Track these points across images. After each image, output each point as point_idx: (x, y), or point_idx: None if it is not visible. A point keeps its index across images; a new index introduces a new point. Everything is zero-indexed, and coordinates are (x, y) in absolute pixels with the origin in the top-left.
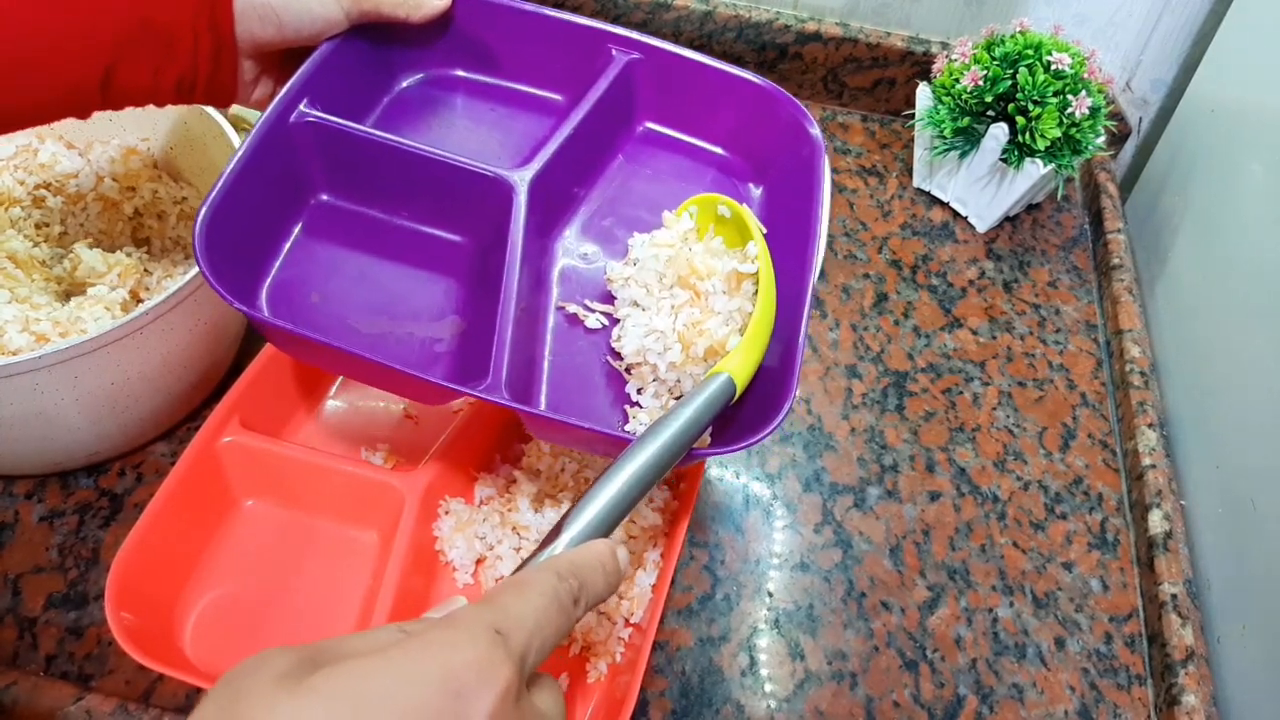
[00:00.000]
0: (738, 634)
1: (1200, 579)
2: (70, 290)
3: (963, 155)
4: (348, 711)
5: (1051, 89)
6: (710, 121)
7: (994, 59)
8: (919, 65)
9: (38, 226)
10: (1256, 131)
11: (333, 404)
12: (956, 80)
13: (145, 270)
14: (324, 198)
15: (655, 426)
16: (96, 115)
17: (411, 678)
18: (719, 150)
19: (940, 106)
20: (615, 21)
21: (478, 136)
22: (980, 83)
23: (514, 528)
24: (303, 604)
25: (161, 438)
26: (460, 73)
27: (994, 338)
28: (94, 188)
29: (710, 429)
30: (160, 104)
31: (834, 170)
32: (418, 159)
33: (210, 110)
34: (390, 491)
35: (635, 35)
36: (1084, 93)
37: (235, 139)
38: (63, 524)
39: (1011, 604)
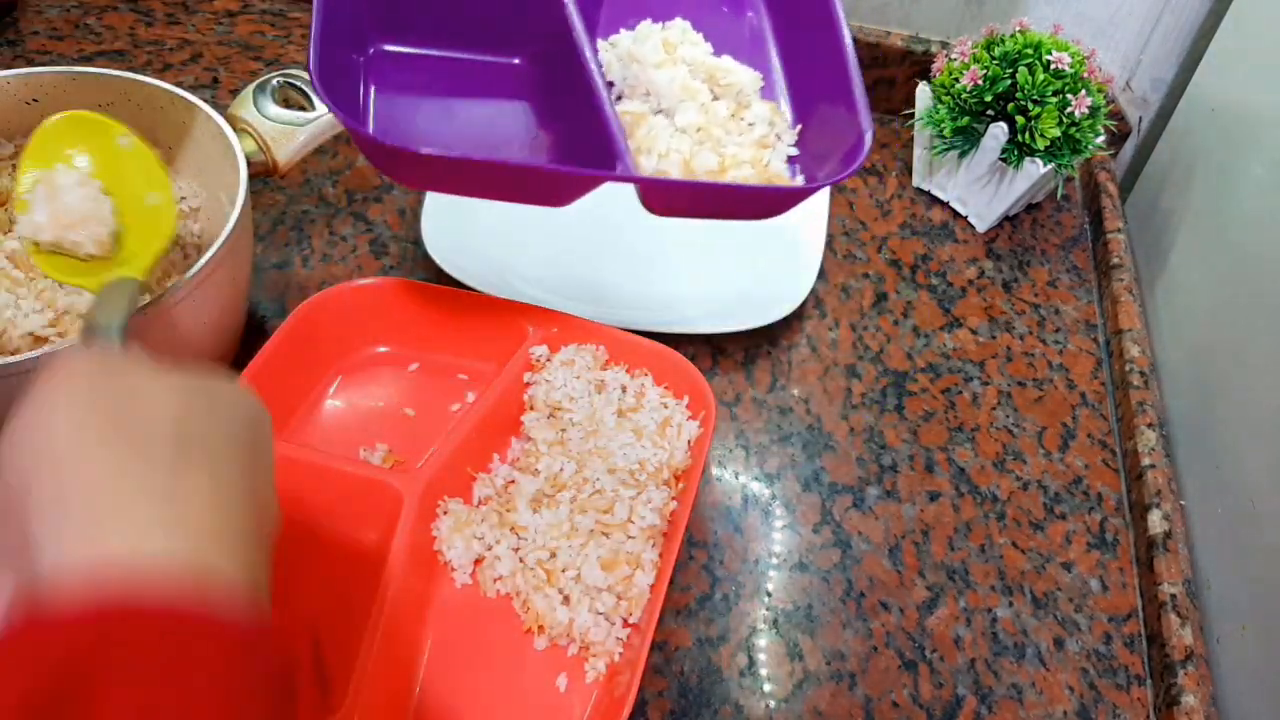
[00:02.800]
0: (736, 634)
1: (1200, 579)
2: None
3: (962, 155)
4: None
5: (1051, 88)
6: None
7: (993, 58)
8: (918, 64)
9: None
10: (1256, 131)
11: (331, 403)
12: (956, 79)
13: None
14: (384, 47)
15: None
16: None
17: None
18: None
19: (940, 106)
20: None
21: None
22: (980, 82)
23: (512, 528)
24: (301, 604)
25: None
26: None
27: (993, 337)
28: None
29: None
30: None
31: None
32: None
33: (209, 110)
34: (389, 491)
35: None
36: (1084, 92)
37: (234, 139)
38: None
39: (1010, 604)
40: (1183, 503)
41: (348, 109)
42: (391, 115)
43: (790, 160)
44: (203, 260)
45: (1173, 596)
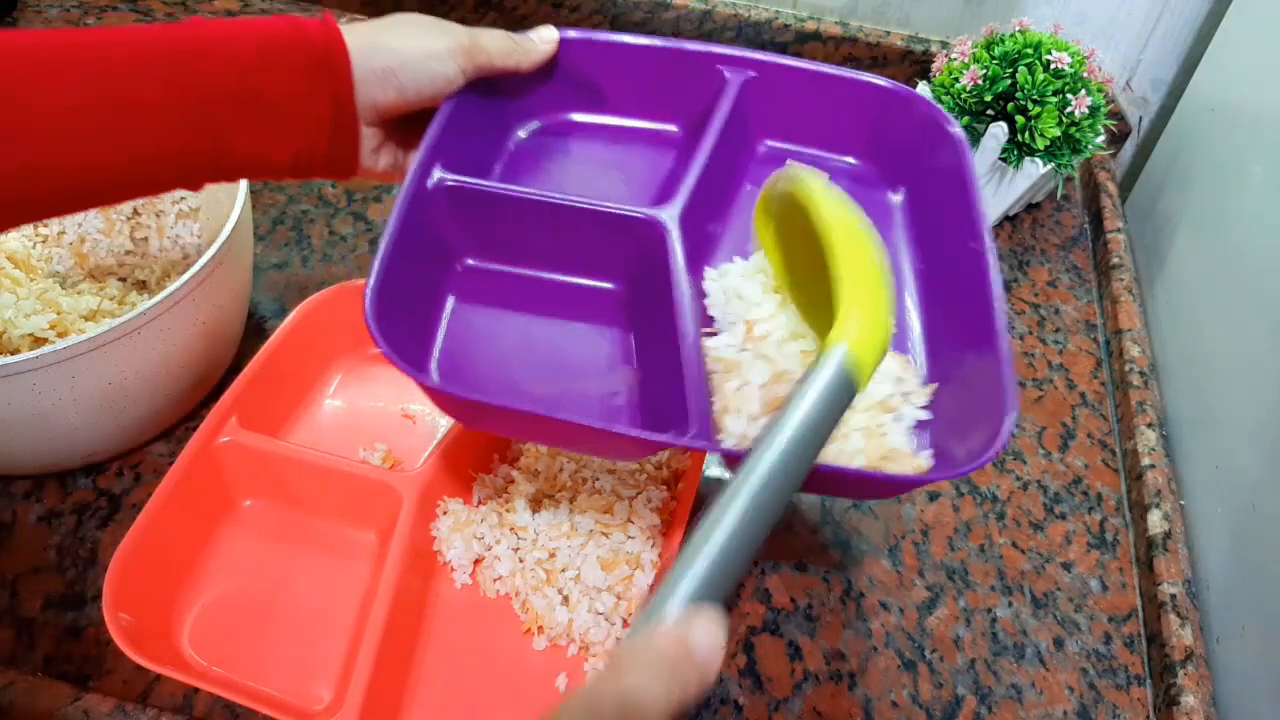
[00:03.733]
0: (736, 634)
1: (1199, 579)
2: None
3: None
4: None
5: (1051, 88)
6: (835, 131)
7: (993, 58)
8: (918, 64)
9: (36, 227)
10: (1256, 130)
11: (331, 404)
12: (956, 79)
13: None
14: (470, 262)
15: (760, 442)
16: None
17: None
18: (849, 160)
19: (940, 105)
20: (614, 22)
21: (601, 179)
22: (980, 82)
23: (511, 528)
24: (301, 604)
25: (160, 438)
26: (574, 116)
27: None
28: None
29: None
30: (278, 178)
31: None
32: (561, 209)
33: None
34: (388, 491)
35: (744, 53)
36: (1084, 92)
37: None
38: (61, 524)
39: (1010, 604)
40: (1183, 503)
41: (402, 340)
42: (466, 331)
43: (918, 425)
44: (203, 260)
45: (1173, 596)
